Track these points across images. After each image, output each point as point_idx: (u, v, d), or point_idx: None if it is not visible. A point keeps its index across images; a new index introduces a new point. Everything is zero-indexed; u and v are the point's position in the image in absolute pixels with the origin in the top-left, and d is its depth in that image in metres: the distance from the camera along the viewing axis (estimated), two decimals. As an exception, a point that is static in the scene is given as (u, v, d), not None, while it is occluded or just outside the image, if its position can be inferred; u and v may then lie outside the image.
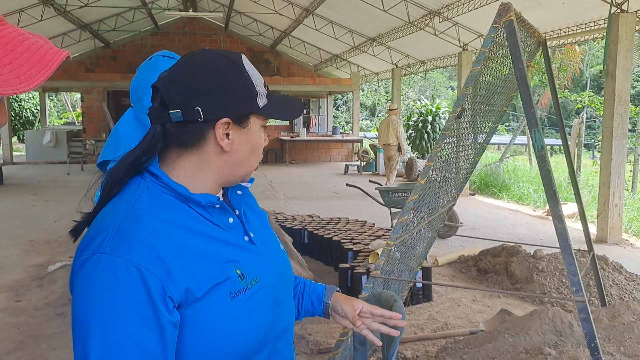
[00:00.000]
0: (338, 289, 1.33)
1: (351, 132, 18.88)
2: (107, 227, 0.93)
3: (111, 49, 18.00)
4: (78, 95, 22.57)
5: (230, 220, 1.06)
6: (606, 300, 3.62)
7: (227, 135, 1.01)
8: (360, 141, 17.33)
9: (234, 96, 1.01)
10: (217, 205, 1.03)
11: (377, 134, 12.92)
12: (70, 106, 28.22)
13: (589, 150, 20.85)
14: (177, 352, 0.94)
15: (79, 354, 0.88)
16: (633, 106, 11.26)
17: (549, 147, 22.54)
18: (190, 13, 14.24)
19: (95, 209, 1.03)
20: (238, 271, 1.00)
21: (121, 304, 0.87)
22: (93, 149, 14.59)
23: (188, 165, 1.02)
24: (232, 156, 1.03)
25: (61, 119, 27.00)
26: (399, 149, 11.17)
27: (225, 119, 0.99)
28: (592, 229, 7.16)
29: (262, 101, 1.04)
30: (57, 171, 14.04)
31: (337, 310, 1.28)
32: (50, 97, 26.63)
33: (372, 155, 15.02)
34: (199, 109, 0.98)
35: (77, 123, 21.76)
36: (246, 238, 1.07)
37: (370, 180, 7.60)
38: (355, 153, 16.65)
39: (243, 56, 1.05)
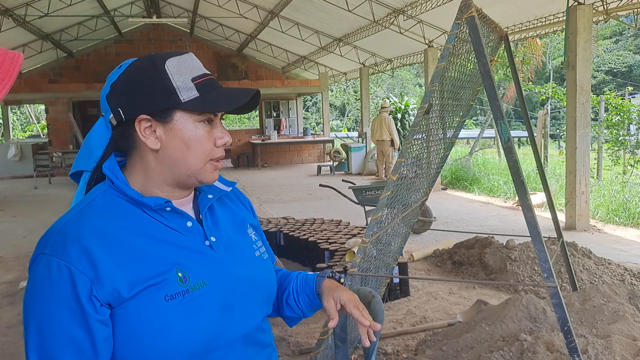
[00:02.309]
0: (330, 273, 1.26)
1: (322, 133, 18.93)
2: (54, 229, 0.97)
3: (74, 58, 17.64)
4: (42, 107, 22.09)
5: (189, 224, 1.05)
6: (577, 285, 3.72)
7: (155, 133, 1.01)
8: (332, 141, 17.38)
9: (147, 92, 1.00)
10: (168, 209, 1.02)
11: (370, 131, 13.62)
12: (34, 119, 27.58)
13: (554, 140, 21.34)
14: (113, 351, 0.96)
15: (26, 349, 0.94)
16: (594, 96, 11.57)
17: (516, 139, 23.00)
18: (154, 19, 14.07)
19: None
20: (180, 274, 0.99)
21: (53, 301, 0.91)
22: (60, 161, 14.28)
23: (136, 169, 1.04)
24: (165, 154, 1.02)
25: (25, 132, 26.36)
26: (392, 144, 12.10)
27: (143, 116, 1.00)
28: (561, 217, 7.35)
29: (186, 95, 1.00)
30: (24, 186, 13.71)
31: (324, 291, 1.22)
32: (13, 110, 25.99)
33: (344, 155, 15.09)
34: (120, 109, 1.01)
35: (42, 135, 21.26)
36: (207, 242, 1.06)
37: (343, 180, 7.63)
38: (327, 153, 16.71)
39: (172, 58, 1.02)
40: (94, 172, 1.06)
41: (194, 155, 1.02)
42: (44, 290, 0.92)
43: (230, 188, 1.15)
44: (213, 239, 1.06)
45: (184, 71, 1.01)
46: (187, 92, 1.00)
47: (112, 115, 1.01)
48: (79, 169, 2.02)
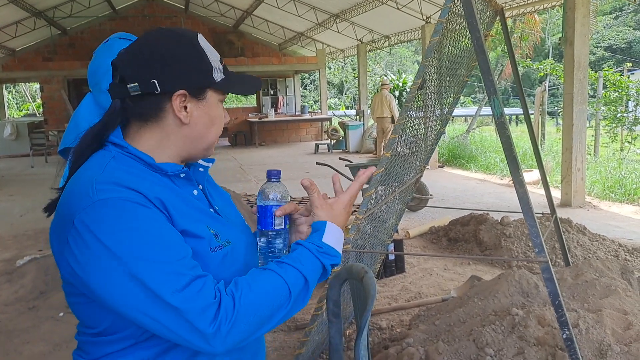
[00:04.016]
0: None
1: (320, 111, 18.83)
2: (83, 185, 0.95)
3: (69, 36, 17.46)
4: (37, 86, 21.92)
5: (195, 192, 1.10)
6: (570, 261, 3.74)
7: (185, 108, 1.04)
8: (329, 119, 17.31)
9: (188, 68, 1.04)
10: (182, 175, 1.07)
11: (369, 108, 13.43)
12: (29, 97, 27.39)
13: (552, 117, 21.28)
14: None
15: (125, 284, 0.90)
16: (593, 72, 11.50)
17: (514, 117, 22.94)
18: (149, -4, 13.89)
19: (65, 184, 1.07)
20: (212, 231, 1.04)
21: (142, 227, 0.92)
22: (56, 140, 14.23)
23: (149, 138, 1.05)
24: (192, 129, 1.06)
25: (21, 110, 26.20)
26: (393, 121, 12.01)
27: (181, 91, 1.03)
28: (557, 194, 7.38)
29: (218, 76, 1.07)
30: (20, 164, 13.68)
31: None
32: (8, 89, 25.78)
33: (342, 133, 15.05)
34: (155, 81, 1.01)
35: (38, 114, 21.15)
36: (211, 210, 1.11)
37: (340, 158, 7.62)
38: (324, 132, 16.65)
39: (199, 34, 1.08)
40: (92, 140, 1.05)
41: (214, 132, 1.09)
42: (131, 222, 0.91)
43: (211, 164, 1.18)
44: (217, 207, 1.12)
45: (211, 52, 1.07)
46: (218, 73, 1.07)
47: (135, 84, 1.01)
48: (67, 145, 2.01)
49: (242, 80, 1.13)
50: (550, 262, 2.20)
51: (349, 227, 2.71)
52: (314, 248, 1.04)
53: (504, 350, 2.44)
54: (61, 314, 3.95)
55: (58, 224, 0.98)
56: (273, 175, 1.14)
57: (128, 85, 1.01)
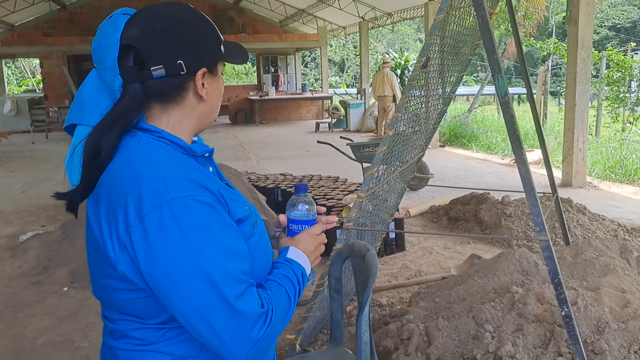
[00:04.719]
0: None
1: (320, 89, 18.74)
2: (150, 181, 0.95)
3: (68, 11, 17.26)
4: (37, 61, 21.77)
5: (211, 169, 1.12)
6: (570, 240, 3.77)
7: (203, 84, 1.05)
8: (330, 98, 17.22)
9: (208, 46, 1.05)
10: (207, 154, 1.10)
11: (370, 87, 13.31)
12: (29, 73, 27.22)
13: (555, 97, 21.17)
14: None
15: (199, 284, 0.92)
16: (596, 52, 11.41)
17: (517, 96, 22.80)
18: (149, -30, 13.71)
19: (86, 177, 1.03)
20: (247, 207, 1.08)
21: (215, 227, 0.95)
22: (57, 116, 14.20)
23: (172, 119, 1.05)
24: (208, 104, 1.08)
25: (21, 86, 26.07)
26: (394, 100, 11.98)
27: (204, 69, 1.04)
28: (558, 174, 7.38)
29: (223, 48, 1.09)
30: (21, 141, 13.66)
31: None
32: (7, 64, 25.60)
33: (343, 111, 14.98)
34: (182, 62, 1.01)
35: (38, 90, 21.03)
36: (224, 184, 1.13)
37: (341, 137, 7.61)
38: (325, 110, 16.58)
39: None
40: (120, 128, 1.02)
41: (219, 104, 1.12)
42: (196, 223, 0.93)
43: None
44: (225, 181, 1.15)
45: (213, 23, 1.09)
46: (222, 45, 1.08)
47: (160, 66, 1.00)
48: (72, 122, 2.01)
49: (237, 48, 1.15)
50: (550, 241, 2.22)
51: (351, 205, 2.73)
52: (283, 259, 1.13)
53: (503, 326, 2.48)
54: (65, 289, 3.99)
55: (110, 216, 0.95)
56: (301, 190, 1.24)
57: (152, 69, 1.00)
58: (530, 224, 4.87)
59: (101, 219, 0.97)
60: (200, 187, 0.97)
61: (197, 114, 1.07)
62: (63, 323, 3.52)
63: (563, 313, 2.21)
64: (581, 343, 2.20)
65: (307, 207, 1.22)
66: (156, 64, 1.00)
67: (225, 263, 0.94)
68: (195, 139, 1.18)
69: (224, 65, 1.11)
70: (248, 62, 24.09)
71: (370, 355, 2.07)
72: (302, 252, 1.15)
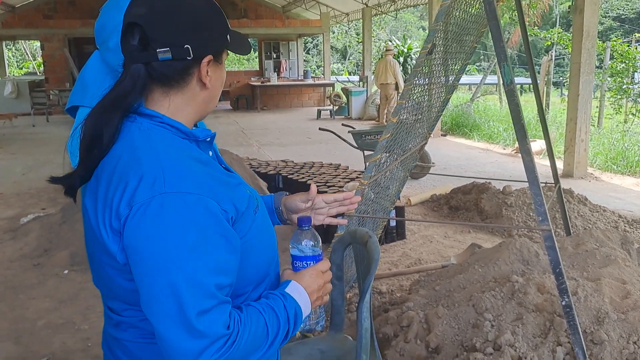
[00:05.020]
0: (287, 193, 1.38)
1: (322, 76, 18.65)
2: (149, 170, 0.92)
3: (69, -7, 17.14)
4: (37, 44, 21.64)
5: (210, 153, 1.10)
6: (571, 231, 3.77)
7: (207, 71, 1.03)
8: (332, 85, 17.15)
9: (216, 33, 1.03)
10: (208, 139, 1.08)
11: (372, 74, 13.24)
12: (30, 55, 27.09)
13: (557, 88, 21.07)
14: None
15: (163, 289, 0.88)
16: (600, 42, 11.33)
17: (518, 86, 22.70)
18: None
19: (86, 161, 1.01)
20: (248, 191, 1.06)
21: (204, 233, 0.90)
22: (57, 99, 14.13)
23: (172, 103, 1.03)
24: (209, 92, 1.06)
25: (21, 69, 25.96)
26: (396, 87, 11.89)
27: (209, 57, 1.02)
28: (559, 164, 7.36)
29: (229, 37, 1.07)
30: (21, 123, 13.62)
31: (291, 208, 1.33)
32: (8, 46, 25.46)
33: (345, 99, 14.92)
34: (189, 47, 0.98)
35: (38, 73, 20.94)
36: (223, 167, 1.11)
37: (343, 124, 7.59)
38: (327, 97, 16.52)
39: None
40: (121, 111, 0.99)
41: (219, 93, 1.10)
42: (188, 225, 0.89)
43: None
44: (224, 164, 1.13)
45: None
46: (229, 34, 1.06)
47: (167, 49, 0.96)
48: (74, 104, 1.99)
49: (242, 39, 1.13)
50: (553, 231, 2.21)
51: (353, 192, 2.73)
52: (278, 291, 1.06)
53: (503, 315, 2.48)
54: (65, 272, 4.00)
55: (106, 203, 0.93)
56: (304, 223, 1.17)
57: (158, 50, 0.96)
58: (531, 214, 4.87)
59: (98, 206, 0.95)
60: (201, 186, 0.93)
61: (198, 101, 1.05)
62: (63, 305, 3.53)
63: (563, 303, 2.21)
64: (581, 333, 2.21)
65: (312, 242, 1.16)
66: (162, 46, 0.96)
67: (199, 273, 0.89)
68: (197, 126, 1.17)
69: (228, 54, 1.09)
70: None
71: (370, 342, 2.08)
72: (304, 290, 1.07)
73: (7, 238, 4.73)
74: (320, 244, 1.18)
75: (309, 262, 1.15)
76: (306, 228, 1.16)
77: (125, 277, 0.96)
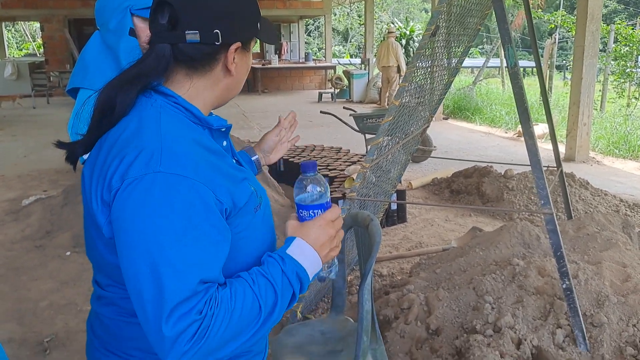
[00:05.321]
0: (252, 147, 1.43)
1: (324, 59, 18.52)
2: (148, 147, 0.90)
3: (69, -27, 16.95)
4: (37, 25, 21.48)
5: (225, 143, 1.09)
6: (572, 215, 3.77)
7: (233, 58, 1.01)
8: (334, 68, 17.04)
9: (247, 20, 1.02)
10: (223, 129, 1.06)
11: (374, 57, 13.15)
12: (29, 36, 26.92)
13: (560, 71, 20.95)
14: None
15: (143, 268, 0.86)
16: (605, 25, 11.22)
17: (522, 69, 22.55)
18: None
19: (94, 129, 1.00)
20: (252, 187, 1.03)
21: (193, 221, 0.87)
22: (58, 80, 14.06)
23: (195, 87, 1.01)
24: (233, 80, 1.05)
25: (21, 50, 25.81)
26: (398, 70, 11.78)
27: (238, 44, 1.00)
28: (561, 148, 7.35)
29: (259, 26, 1.06)
30: (22, 105, 13.59)
31: (267, 148, 1.39)
32: (7, 28, 25.28)
33: (346, 82, 14.84)
34: (218, 32, 0.97)
35: (38, 54, 20.81)
36: (234, 160, 1.10)
37: (344, 107, 7.56)
38: (328, 80, 16.43)
39: None
40: (139, 87, 0.98)
41: (244, 81, 1.08)
42: (173, 207, 0.86)
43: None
44: (237, 157, 1.12)
45: None
46: (260, 22, 1.05)
47: (196, 32, 0.95)
48: (75, 85, 1.98)
49: (271, 28, 1.11)
50: (554, 214, 2.21)
51: (354, 176, 2.73)
52: (278, 253, 0.98)
53: (503, 298, 2.50)
54: (68, 253, 4.02)
55: (101, 175, 0.92)
56: (309, 169, 1.05)
57: (186, 32, 0.95)
58: (533, 197, 4.87)
59: (93, 177, 0.95)
60: (198, 172, 0.91)
61: (220, 88, 1.04)
62: (66, 287, 3.55)
63: (564, 286, 2.22)
64: (581, 315, 2.22)
65: (318, 188, 1.04)
66: (191, 28, 0.95)
67: (184, 262, 0.85)
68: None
69: (256, 42, 1.08)
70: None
71: (371, 323, 2.09)
72: (309, 247, 0.99)
73: (9, 220, 4.75)
74: (329, 190, 1.07)
75: (316, 211, 1.03)
76: (311, 174, 1.05)
77: (110, 251, 0.95)
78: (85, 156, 1.69)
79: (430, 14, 18.87)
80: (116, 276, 0.97)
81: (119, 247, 0.89)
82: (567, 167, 5.85)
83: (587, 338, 2.22)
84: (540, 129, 8.46)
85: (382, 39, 12.26)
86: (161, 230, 0.85)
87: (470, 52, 3.73)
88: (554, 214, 2.20)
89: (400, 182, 4.80)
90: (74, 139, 1.81)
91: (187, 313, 0.84)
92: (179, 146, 0.92)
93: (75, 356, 2.78)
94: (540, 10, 16.53)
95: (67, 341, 2.92)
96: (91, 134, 1.01)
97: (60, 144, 1.04)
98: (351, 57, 24.19)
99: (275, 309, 0.93)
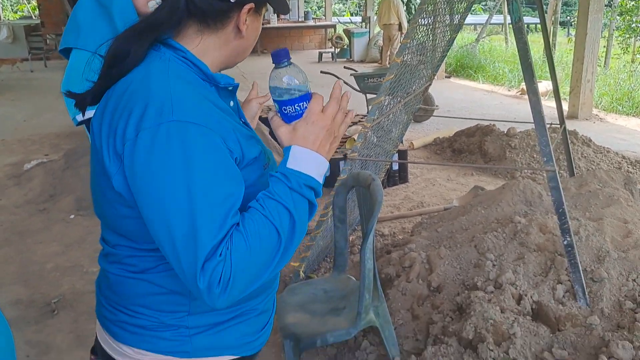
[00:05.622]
0: None
1: (324, 17, 18.19)
2: (159, 97, 0.90)
3: None
4: (30, -14, 21.05)
5: (232, 103, 1.08)
6: (575, 172, 3.76)
7: (245, 20, 1.01)
8: (334, 26, 16.75)
9: None
10: (230, 88, 1.05)
11: (376, 14, 12.91)
12: (23, -2, 26.38)
13: (564, 28, 20.57)
14: None
15: (173, 215, 0.86)
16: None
17: (525, 25, 22.15)
18: None
19: (103, 79, 1.00)
20: (260, 147, 1.04)
21: (212, 165, 0.88)
22: (54, 43, 13.86)
23: (202, 43, 1.01)
24: (243, 42, 1.05)
25: (16, 12, 25.35)
26: (400, 28, 11.51)
27: (251, 5, 1.00)
28: (564, 106, 7.29)
29: None
30: (20, 69, 13.44)
31: (251, 114, 1.35)
32: (1, -10, 24.76)
33: (347, 41, 14.61)
34: None
35: (33, 17, 20.45)
36: (242, 122, 1.08)
37: (345, 67, 7.45)
38: (328, 39, 16.17)
39: None
40: (150, 39, 0.98)
41: (252, 46, 1.08)
42: (193, 154, 0.86)
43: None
44: (243, 119, 1.11)
45: None
46: None
47: None
48: (68, 45, 1.94)
49: None
50: (557, 172, 2.21)
51: (355, 136, 2.70)
52: (280, 172, 0.95)
53: (505, 255, 2.51)
54: (72, 216, 4.05)
55: (112, 126, 0.92)
56: (282, 57, 0.96)
57: None
58: (535, 155, 4.85)
59: (103, 128, 0.95)
60: (209, 117, 0.91)
61: (229, 49, 1.03)
62: (71, 249, 3.58)
63: (565, 242, 2.23)
64: (581, 271, 2.24)
65: (296, 80, 0.95)
66: None
67: (209, 205, 0.86)
68: None
69: (267, 9, 1.07)
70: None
71: (373, 282, 2.12)
72: (309, 149, 0.96)
73: (12, 184, 4.76)
74: (307, 77, 0.99)
75: (301, 104, 0.96)
76: (285, 63, 0.97)
77: (116, 202, 0.96)
78: (80, 118, 1.67)
79: (432, -31, 18.28)
80: (123, 230, 0.99)
81: (144, 198, 0.89)
82: (570, 125, 5.80)
83: (587, 293, 2.24)
84: (544, 86, 8.36)
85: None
86: (187, 174, 0.86)
87: (473, 8, 3.65)
88: (557, 171, 2.19)
89: (402, 142, 4.78)
90: (66, 100, 1.79)
91: (212, 259, 0.85)
92: (189, 96, 0.92)
93: (83, 316, 2.83)
94: (545, -37, 16.10)
95: (75, 302, 2.97)
96: (101, 82, 1.00)
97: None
98: (352, 15, 23.73)
99: (296, 226, 0.92)
